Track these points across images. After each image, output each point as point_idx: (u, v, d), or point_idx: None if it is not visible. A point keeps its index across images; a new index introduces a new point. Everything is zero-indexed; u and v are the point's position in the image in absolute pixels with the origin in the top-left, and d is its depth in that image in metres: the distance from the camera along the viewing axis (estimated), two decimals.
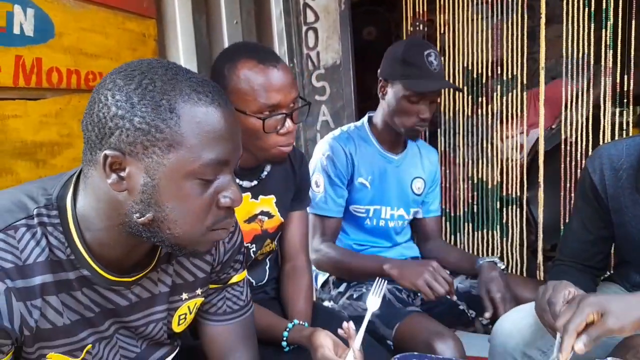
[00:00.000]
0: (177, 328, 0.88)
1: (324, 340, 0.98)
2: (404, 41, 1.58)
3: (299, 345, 1.11)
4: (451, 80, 2.43)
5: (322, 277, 1.66)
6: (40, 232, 0.68)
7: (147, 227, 0.68)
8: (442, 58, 2.32)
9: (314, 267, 1.64)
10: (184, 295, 0.85)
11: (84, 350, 0.75)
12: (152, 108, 0.63)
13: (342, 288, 1.60)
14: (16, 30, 1.12)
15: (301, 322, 1.16)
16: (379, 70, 1.60)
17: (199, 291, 0.88)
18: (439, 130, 2.50)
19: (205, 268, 0.87)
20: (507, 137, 2.39)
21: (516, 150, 2.39)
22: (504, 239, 2.45)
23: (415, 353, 1.08)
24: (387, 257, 1.54)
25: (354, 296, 1.55)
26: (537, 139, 2.32)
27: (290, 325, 1.13)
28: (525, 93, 2.32)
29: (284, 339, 1.12)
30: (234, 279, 0.93)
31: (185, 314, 0.88)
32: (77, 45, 1.28)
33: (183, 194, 0.66)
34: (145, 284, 0.80)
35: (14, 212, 0.68)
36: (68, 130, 1.27)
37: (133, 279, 0.76)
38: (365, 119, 1.69)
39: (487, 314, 1.39)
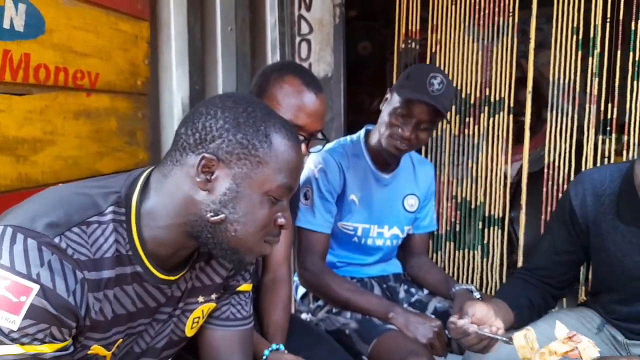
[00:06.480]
0: (189, 332, 0.93)
1: None
2: (423, 64, 1.62)
3: None
4: None
5: (302, 289, 1.65)
6: (109, 229, 0.75)
7: (214, 225, 0.77)
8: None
9: (295, 279, 1.63)
10: (200, 298, 0.92)
11: (115, 345, 0.81)
12: (253, 130, 0.76)
13: (321, 302, 1.58)
14: (6, 24, 1.10)
15: (281, 350, 1.14)
16: None
17: (213, 296, 0.94)
18: (423, 148, 2.52)
19: (222, 273, 0.93)
20: (491, 170, 2.40)
21: (501, 182, 2.41)
22: (485, 259, 2.46)
23: None
24: (392, 303, 1.53)
25: (333, 310, 1.54)
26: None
27: (267, 352, 1.12)
28: (511, 117, 2.35)
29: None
30: (241, 288, 0.99)
31: (199, 318, 0.93)
32: (67, 43, 1.26)
33: (256, 204, 0.78)
34: (180, 283, 0.87)
35: (88, 208, 0.75)
36: (52, 128, 1.25)
37: (175, 277, 0.84)
38: (362, 132, 1.65)
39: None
